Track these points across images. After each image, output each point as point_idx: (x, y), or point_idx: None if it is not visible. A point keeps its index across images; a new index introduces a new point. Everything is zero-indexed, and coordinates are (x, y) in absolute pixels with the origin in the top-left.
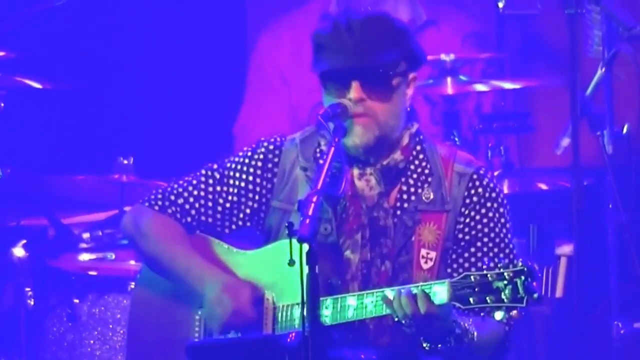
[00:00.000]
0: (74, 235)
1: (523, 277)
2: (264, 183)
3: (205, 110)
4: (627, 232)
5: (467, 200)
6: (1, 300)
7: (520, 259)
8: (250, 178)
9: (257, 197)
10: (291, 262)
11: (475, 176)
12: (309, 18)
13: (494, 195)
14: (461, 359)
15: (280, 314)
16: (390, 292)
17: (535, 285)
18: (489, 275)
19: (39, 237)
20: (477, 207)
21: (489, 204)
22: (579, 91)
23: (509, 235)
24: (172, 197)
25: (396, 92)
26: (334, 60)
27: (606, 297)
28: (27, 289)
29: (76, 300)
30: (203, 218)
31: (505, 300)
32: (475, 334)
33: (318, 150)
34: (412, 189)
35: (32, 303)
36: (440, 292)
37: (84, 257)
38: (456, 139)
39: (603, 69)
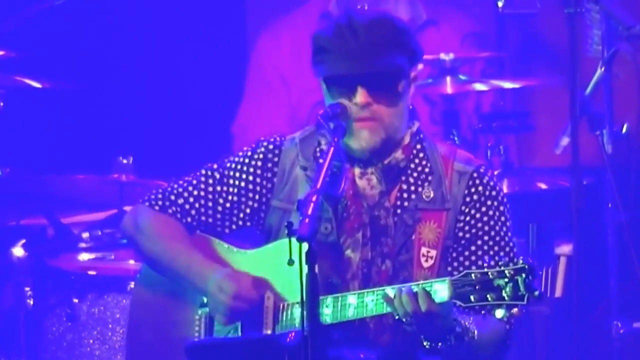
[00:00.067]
0: (74, 234)
1: (524, 275)
2: (264, 183)
3: (205, 110)
4: (627, 232)
5: (467, 199)
6: (1, 300)
7: (521, 257)
8: (250, 178)
9: (257, 197)
10: (290, 262)
11: (475, 174)
12: (309, 18)
13: (494, 193)
14: (462, 357)
15: (280, 314)
16: (390, 291)
17: (536, 282)
18: (489, 273)
19: (39, 237)
20: (477, 205)
21: (489, 202)
22: (579, 90)
23: (509, 234)
24: (172, 197)
25: (401, 94)
26: (339, 65)
27: (606, 297)
28: (27, 289)
29: (76, 300)
30: (203, 218)
31: (506, 297)
32: (476, 332)
33: (318, 149)
34: (413, 188)
35: (31, 303)
36: (440, 290)
37: (84, 256)
38: (456, 138)
39: (602, 68)
